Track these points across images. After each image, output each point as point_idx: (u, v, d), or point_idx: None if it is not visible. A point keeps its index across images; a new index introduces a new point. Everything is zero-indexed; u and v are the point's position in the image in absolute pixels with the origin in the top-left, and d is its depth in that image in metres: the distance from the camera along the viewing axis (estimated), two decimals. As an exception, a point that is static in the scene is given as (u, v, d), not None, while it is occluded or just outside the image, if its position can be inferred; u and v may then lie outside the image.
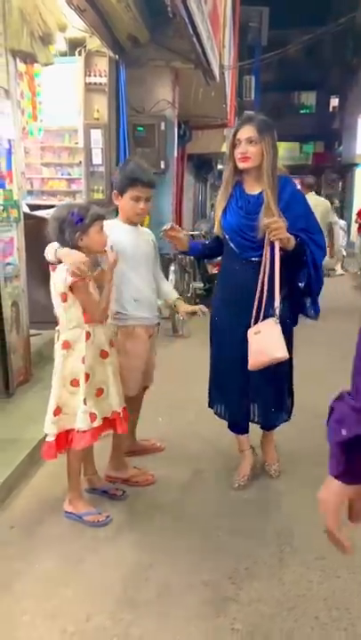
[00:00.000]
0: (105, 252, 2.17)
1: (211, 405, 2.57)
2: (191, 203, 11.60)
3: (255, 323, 2.26)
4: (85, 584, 1.92)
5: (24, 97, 4.68)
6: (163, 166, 5.90)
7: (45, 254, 2.16)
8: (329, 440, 0.95)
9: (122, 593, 1.87)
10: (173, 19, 4.51)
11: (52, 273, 2.12)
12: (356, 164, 16.98)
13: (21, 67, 4.10)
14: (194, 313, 2.54)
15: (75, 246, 2.06)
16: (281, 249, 2.18)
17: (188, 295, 6.23)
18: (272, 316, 2.19)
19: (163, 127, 5.85)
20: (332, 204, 7.30)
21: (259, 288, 2.23)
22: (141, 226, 2.51)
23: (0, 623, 1.74)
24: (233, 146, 2.27)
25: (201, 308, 2.52)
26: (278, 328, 2.16)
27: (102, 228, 2.13)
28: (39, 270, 3.79)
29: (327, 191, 19.06)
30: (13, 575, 1.95)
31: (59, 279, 2.06)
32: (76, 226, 2.04)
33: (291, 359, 2.37)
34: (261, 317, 2.24)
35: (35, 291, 3.88)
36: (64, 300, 2.09)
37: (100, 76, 5.25)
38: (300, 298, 2.37)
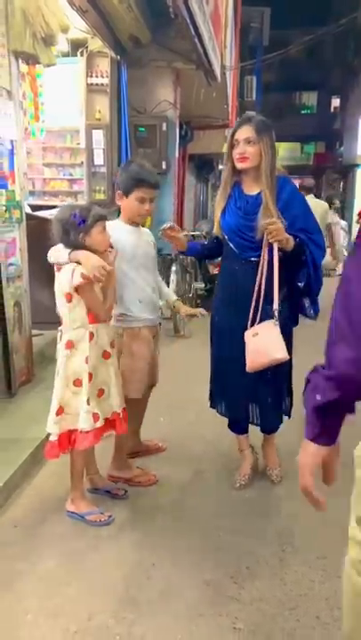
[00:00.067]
0: (107, 251, 2.17)
1: (212, 405, 2.58)
2: (192, 203, 11.61)
3: (252, 324, 2.26)
4: (88, 583, 1.93)
5: (26, 98, 4.69)
6: (164, 167, 5.92)
7: (49, 256, 2.17)
8: (306, 407, 1.04)
9: (124, 592, 1.88)
10: (175, 19, 4.52)
11: (56, 273, 2.13)
12: (357, 165, 16.97)
13: (23, 67, 4.11)
14: (193, 315, 2.55)
15: (79, 247, 2.07)
16: (280, 249, 2.19)
17: (190, 295, 6.23)
18: (271, 317, 2.20)
19: (164, 128, 5.86)
20: (332, 204, 7.31)
21: (256, 289, 2.23)
22: (143, 226, 2.52)
23: (3, 622, 1.75)
24: (231, 146, 2.28)
25: (200, 311, 2.54)
26: (277, 329, 2.16)
27: (105, 228, 2.14)
28: (41, 271, 3.82)
29: (328, 192, 19.04)
30: (16, 574, 1.96)
31: (64, 279, 2.06)
32: (78, 227, 2.05)
33: (290, 359, 2.37)
34: (258, 319, 2.25)
35: (37, 291, 3.89)
36: (69, 300, 2.10)
37: (102, 76, 5.26)
38: (299, 298, 2.38)
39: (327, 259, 2.48)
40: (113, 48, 5.08)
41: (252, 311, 2.26)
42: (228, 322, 2.38)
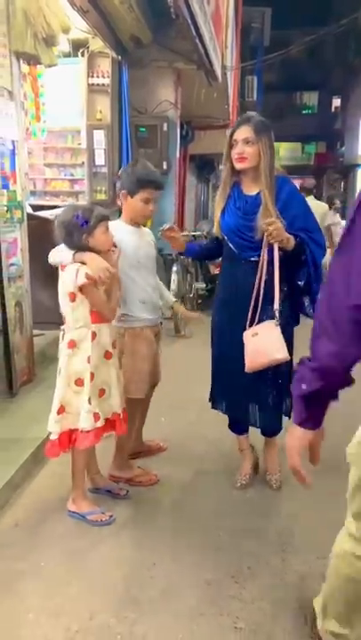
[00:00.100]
0: (111, 251, 2.19)
1: (213, 405, 2.57)
2: (193, 203, 11.61)
3: (250, 324, 2.26)
4: (89, 582, 1.93)
5: (27, 98, 4.69)
6: (165, 167, 5.92)
7: (51, 257, 2.18)
8: (293, 395, 1.17)
9: (125, 591, 1.88)
10: (176, 20, 4.52)
11: (60, 272, 2.14)
12: (358, 165, 16.96)
13: (25, 68, 4.12)
14: (191, 318, 2.57)
15: (83, 248, 2.08)
16: (281, 249, 2.18)
17: (191, 296, 6.24)
18: (271, 317, 2.20)
19: (165, 128, 5.86)
20: (333, 204, 7.32)
21: (255, 288, 2.23)
22: (144, 226, 2.53)
23: (5, 621, 1.76)
24: (230, 146, 2.27)
25: (200, 315, 2.55)
26: (278, 330, 2.16)
27: (107, 228, 2.15)
28: (42, 271, 3.82)
29: (329, 192, 19.03)
30: (17, 574, 1.96)
31: (68, 279, 2.07)
32: (81, 228, 2.05)
33: (291, 359, 2.37)
34: (257, 319, 2.24)
35: (38, 291, 3.90)
36: (72, 299, 2.11)
37: (103, 76, 5.26)
38: (299, 297, 2.38)
39: (328, 258, 2.47)
40: (114, 48, 5.08)
41: (250, 311, 2.26)
42: (229, 322, 2.38)
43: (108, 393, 2.24)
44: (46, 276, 4.01)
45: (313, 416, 1.17)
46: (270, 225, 2.10)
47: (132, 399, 2.42)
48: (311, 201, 5.52)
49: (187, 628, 1.73)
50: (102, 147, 5.39)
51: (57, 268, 2.17)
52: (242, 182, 2.34)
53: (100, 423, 2.17)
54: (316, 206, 5.30)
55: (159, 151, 5.87)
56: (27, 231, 3.54)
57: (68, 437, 2.20)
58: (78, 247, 2.08)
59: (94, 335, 2.15)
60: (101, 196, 5.49)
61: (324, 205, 6.47)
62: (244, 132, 2.22)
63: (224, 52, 7.01)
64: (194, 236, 6.44)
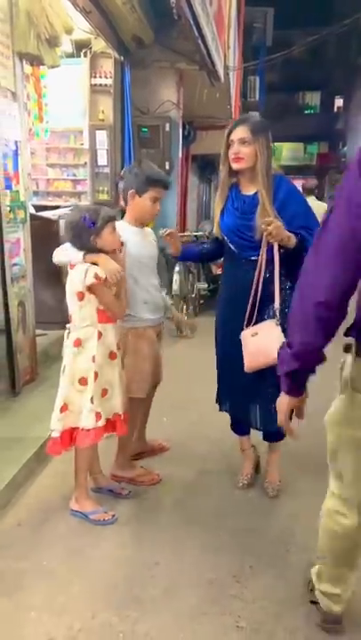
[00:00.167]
0: (118, 251, 2.21)
1: (219, 407, 2.56)
2: (195, 203, 11.61)
3: (248, 324, 2.25)
4: (91, 581, 1.94)
5: (30, 99, 4.70)
6: (167, 167, 5.92)
7: (56, 257, 2.19)
8: (279, 372, 1.43)
9: (127, 590, 1.89)
10: (178, 20, 4.52)
11: (69, 271, 2.16)
12: (360, 165, 16.90)
13: (27, 68, 4.12)
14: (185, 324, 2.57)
15: (91, 249, 2.10)
16: (282, 247, 2.18)
17: (193, 296, 6.24)
18: (271, 317, 2.20)
19: (167, 128, 5.86)
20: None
21: (253, 288, 2.22)
22: (146, 227, 2.53)
23: (7, 620, 1.77)
24: (227, 146, 2.27)
25: (193, 322, 2.54)
26: (279, 329, 2.15)
27: (114, 228, 2.17)
28: (45, 271, 3.84)
29: (331, 192, 19.02)
30: (20, 573, 1.97)
31: (77, 278, 2.10)
32: (89, 229, 2.08)
33: None
34: (257, 318, 2.24)
35: (41, 291, 3.91)
36: (80, 298, 2.13)
37: (106, 77, 5.27)
38: None
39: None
40: (116, 49, 5.09)
41: (248, 310, 2.25)
42: (232, 321, 2.38)
43: (111, 393, 2.25)
44: (49, 276, 4.05)
45: (295, 388, 1.43)
46: (269, 224, 2.09)
47: (134, 399, 2.42)
48: (313, 201, 5.52)
49: (189, 627, 1.74)
50: (105, 147, 5.40)
51: (60, 268, 2.19)
52: (240, 182, 2.34)
53: (101, 423, 2.18)
54: (318, 207, 5.29)
55: (161, 151, 5.87)
56: (29, 231, 3.55)
57: (70, 436, 2.21)
58: (86, 248, 2.11)
59: (100, 334, 2.17)
60: (104, 197, 5.50)
61: (326, 205, 6.47)
62: (240, 132, 2.21)
63: (226, 52, 7.01)
64: (196, 236, 6.45)
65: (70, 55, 5.02)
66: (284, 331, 2.16)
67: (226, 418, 2.60)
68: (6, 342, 3.33)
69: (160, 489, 2.55)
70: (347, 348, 1.40)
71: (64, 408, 2.18)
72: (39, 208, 5.01)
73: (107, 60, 5.21)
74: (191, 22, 4.47)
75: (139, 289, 2.38)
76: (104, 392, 2.23)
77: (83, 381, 2.17)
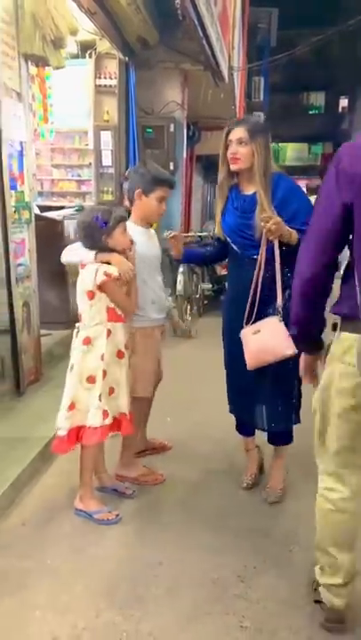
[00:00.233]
0: (128, 251, 2.23)
1: (229, 409, 2.55)
2: (200, 203, 11.62)
3: (247, 322, 2.24)
4: (95, 580, 1.94)
5: (35, 99, 4.72)
6: (172, 167, 5.92)
7: (66, 257, 2.22)
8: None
9: (131, 590, 1.89)
10: (183, 21, 4.52)
11: (80, 270, 2.19)
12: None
13: (33, 70, 4.14)
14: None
15: (103, 248, 2.14)
16: (285, 244, 2.17)
17: (197, 296, 6.24)
18: (273, 314, 2.19)
19: (172, 129, 5.87)
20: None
21: (253, 286, 2.22)
22: (150, 227, 2.55)
23: (12, 618, 1.78)
24: (226, 147, 2.27)
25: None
26: (283, 325, 2.14)
27: (125, 229, 2.21)
28: (50, 271, 3.86)
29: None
30: (24, 572, 1.98)
31: (88, 277, 2.13)
32: (101, 229, 2.12)
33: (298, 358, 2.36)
34: (254, 317, 2.23)
35: (45, 291, 3.92)
36: (91, 297, 2.17)
37: (110, 78, 5.28)
38: None
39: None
40: (121, 49, 5.10)
41: (248, 309, 2.24)
42: (235, 320, 2.37)
43: (117, 392, 2.27)
44: (53, 276, 4.06)
45: (304, 349, 1.73)
46: (268, 221, 2.07)
47: (139, 398, 2.44)
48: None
49: (192, 626, 1.74)
50: (109, 148, 5.42)
51: (64, 269, 2.21)
52: (239, 183, 2.34)
53: (108, 421, 2.20)
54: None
55: (166, 152, 5.88)
56: (34, 232, 3.56)
57: (76, 434, 2.23)
58: (98, 247, 2.14)
59: (109, 333, 2.20)
60: (108, 197, 5.51)
61: None
62: (237, 133, 2.22)
63: (231, 52, 7.02)
64: (200, 236, 6.45)
65: (75, 56, 5.03)
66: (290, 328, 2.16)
67: (229, 418, 2.60)
68: (11, 342, 3.34)
69: (164, 489, 2.56)
70: (334, 327, 1.58)
71: (71, 406, 2.19)
72: (44, 208, 5.03)
73: (111, 60, 5.23)
74: (196, 23, 4.48)
75: (147, 289, 2.40)
76: (111, 390, 2.24)
77: (91, 379, 2.19)
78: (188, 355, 4.70)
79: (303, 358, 1.74)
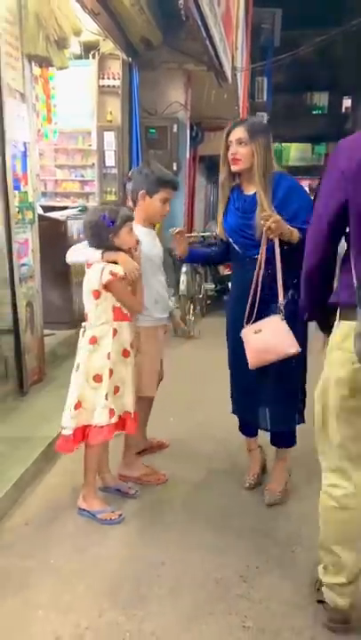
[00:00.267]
0: (133, 250, 2.25)
1: (232, 409, 2.55)
2: (203, 204, 11.61)
3: (248, 321, 2.24)
4: (98, 580, 1.95)
5: (39, 100, 4.73)
6: (175, 168, 5.93)
7: (71, 257, 2.23)
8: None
9: (134, 589, 1.90)
10: (186, 21, 4.53)
11: (86, 270, 2.21)
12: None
13: (36, 70, 4.15)
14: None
15: (110, 247, 2.16)
16: (287, 243, 2.16)
17: (200, 296, 6.24)
18: (275, 313, 2.19)
19: (175, 129, 5.87)
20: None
21: (253, 286, 2.21)
22: (153, 228, 2.55)
23: (15, 618, 1.78)
24: (226, 148, 2.27)
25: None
26: (285, 324, 2.13)
27: (132, 228, 2.22)
28: (53, 271, 3.87)
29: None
30: (27, 571, 1.98)
31: (94, 277, 2.15)
32: (108, 228, 2.14)
33: (305, 358, 2.36)
34: (256, 316, 2.22)
35: (48, 291, 3.93)
36: (97, 296, 2.18)
37: (114, 78, 5.30)
38: None
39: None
40: (124, 50, 5.11)
41: (248, 308, 2.24)
42: (238, 321, 2.37)
43: (122, 391, 2.28)
44: (57, 276, 4.07)
45: (321, 330, 1.78)
46: (267, 219, 2.06)
47: (143, 397, 2.44)
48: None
49: (195, 626, 1.74)
50: (112, 148, 5.43)
51: (68, 269, 2.22)
52: (241, 183, 2.34)
53: (114, 419, 2.21)
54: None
55: (169, 152, 5.88)
56: (38, 232, 3.57)
57: (82, 433, 2.23)
58: (104, 246, 2.16)
59: (115, 332, 2.21)
60: (111, 197, 5.52)
61: None
62: (237, 133, 2.22)
63: (234, 53, 7.02)
64: (203, 236, 6.45)
65: (79, 57, 5.05)
66: (292, 328, 2.15)
67: (232, 418, 2.59)
68: (14, 342, 3.35)
69: (166, 488, 2.56)
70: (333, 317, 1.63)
71: (78, 405, 2.20)
72: (47, 209, 5.04)
73: (115, 61, 5.24)
74: (199, 23, 4.49)
75: (151, 288, 2.41)
76: (116, 389, 2.25)
77: (97, 378, 2.20)
78: (192, 355, 4.70)
79: (323, 338, 1.79)
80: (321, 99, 23.26)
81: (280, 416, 2.38)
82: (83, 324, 2.27)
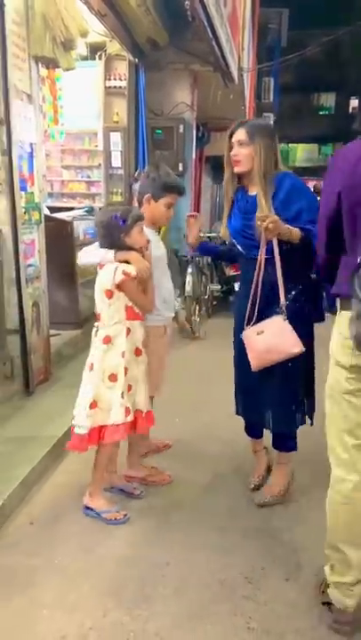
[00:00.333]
0: (144, 249, 2.26)
1: (235, 407, 2.54)
2: (209, 204, 11.60)
3: (248, 323, 2.23)
4: (103, 580, 1.95)
5: (45, 101, 4.75)
6: (181, 168, 5.93)
7: (83, 259, 2.27)
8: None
9: (138, 589, 1.90)
10: (192, 22, 4.53)
11: (98, 271, 2.23)
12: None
13: (43, 71, 4.17)
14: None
15: (121, 246, 2.18)
16: (287, 242, 2.14)
17: (206, 297, 6.24)
18: (277, 313, 2.18)
19: (181, 130, 5.88)
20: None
21: (253, 287, 2.20)
22: (159, 230, 2.58)
23: (20, 617, 1.79)
24: (229, 149, 2.27)
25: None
26: (287, 324, 2.13)
27: (142, 228, 2.24)
28: (59, 272, 3.88)
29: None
30: (32, 570, 1.99)
31: (106, 277, 2.17)
32: (120, 227, 2.16)
33: (312, 358, 2.35)
34: (259, 317, 2.21)
35: (55, 292, 3.94)
36: (109, 296, 2.20)
37: (120, 79, 5.31)
38: (316, 291, 2.34)
39: None
40: (131, 51, 5.12)
41: (248, 310, 2.23)
42: (243, 321, 2.37)
43: (135, 389, 2.29)
44: (63, 276, 4.09)
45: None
46: (264, 220, 2.04)
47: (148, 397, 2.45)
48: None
49: (199, 626, 1.74)
50: (119, 149, 5.44)
51: (74, 269, 2.23)
52: (245, 184, 2.34)
53: (130, 417, 2.23)
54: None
55: (175, 153, 5.89)
56: (44, 233, 3.58)
57: (98, 432, 2.24)
58: (116, 246, 2.18)
59: (128, 331, 2.23)
60: (117, 198, 5.53)
61: None
62: (238, 135, 2.22)
63: (241, 53, 7.01)
64: (209, 237, 6.44)
65: (85, 58, 5.06)
66: (295, 328, 2.14)
67: (238, 419, 2.59)
68: (20, 343, 3.36)
69: (172, 489, 2.56)
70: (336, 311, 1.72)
71: (93, 405, 2.21)
72: (53, 209, 5.05)
73: (121, 62, 5.25)
74: (205, 24, 4.49)
75: (159, 288, 2.42)
76: (129, 388, 2.27)
77: (112, 378, 2.22)
78: (197, 356, 4.70)
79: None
80: (328, 99, 23.19)
81: (281, 417, 2.37)
82: (95, 324, 2.28)
